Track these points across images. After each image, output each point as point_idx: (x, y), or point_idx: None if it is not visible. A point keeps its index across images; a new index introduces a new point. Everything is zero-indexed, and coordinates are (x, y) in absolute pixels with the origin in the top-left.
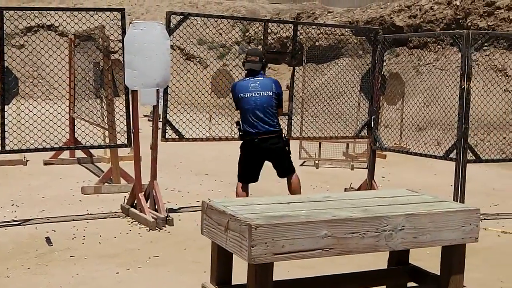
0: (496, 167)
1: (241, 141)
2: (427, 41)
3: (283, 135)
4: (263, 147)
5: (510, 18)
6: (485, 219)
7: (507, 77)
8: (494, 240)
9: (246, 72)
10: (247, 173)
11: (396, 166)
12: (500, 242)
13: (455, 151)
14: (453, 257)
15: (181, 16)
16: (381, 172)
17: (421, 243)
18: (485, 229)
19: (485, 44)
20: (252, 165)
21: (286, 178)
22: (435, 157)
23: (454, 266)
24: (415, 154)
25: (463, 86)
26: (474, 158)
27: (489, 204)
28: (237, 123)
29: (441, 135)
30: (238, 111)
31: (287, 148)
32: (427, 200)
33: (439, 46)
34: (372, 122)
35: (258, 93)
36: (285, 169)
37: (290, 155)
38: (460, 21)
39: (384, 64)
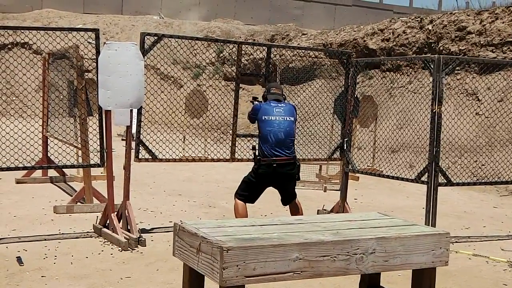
0: (467, 190)
1: (255, 163)
2: (400, 64)
3: (297, 161)
4: (280, 172)
5: (481, 42)
6: (456, 242)
7: (478, 101)
8: (465, 263)
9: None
10: (254, 195)
11: (369, 188)
12: (471, 265)
13: (426, 174)
14: (423, 280)
15: (155, 37)
16: (353, 194)
17: (391, 267)
18: (456, 252)
19: (457, 68)
20: (261, 188)
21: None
22: (407, 180)
23: None
24: (387, 176)
25: (434, 110)
26: (445, 181)
27: (460, 227)
28: (253, 147)
29: (413, 157)
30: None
31: (297, 175)
32: (398, 223)
33: (411, 70)
34: (345, 145)
35: (282, 117)
36: (291, 195)
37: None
38: (432, 45)
39: (358, 86)
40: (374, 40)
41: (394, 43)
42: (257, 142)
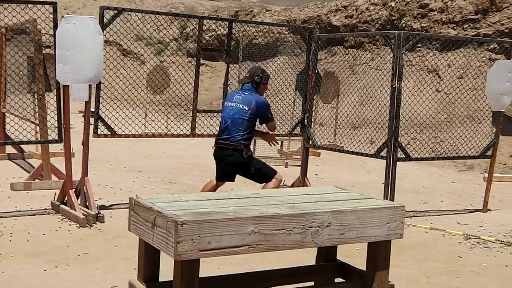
0: (427, 165)
1: None
2: (362, 41)
3: (243, 152)
4: (219, 156)
5: (443, 20)
6: (414, 216)
7: (438, 78)
8: (422, 237)
9: None
10: (216, 172)
11: (330, 164)
12: (428, 238)
13: (386, 149)
14: (379, 253)
15: (115, 11)
16: (314, 170)
17: (347, 240)
18: (414, 226)
19: (418, 45)
20: (217, 169)
21: None
22: (367, 155)
23: (379, 262)
24: (348, 152)
25: (394, 86)
26: (404, 156)
27: (418, 201)
28: None
29: (374, 133)
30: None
31: (246, 163)
32: (354, 197)
33: (374, 46)
34: (305, 120)
35: (236, 104)
36: (256, 180)
37: (254, 168)
38: (395, 22)
39: (321, 63)
40: (338, 17)
41: (358, 20)
42: None
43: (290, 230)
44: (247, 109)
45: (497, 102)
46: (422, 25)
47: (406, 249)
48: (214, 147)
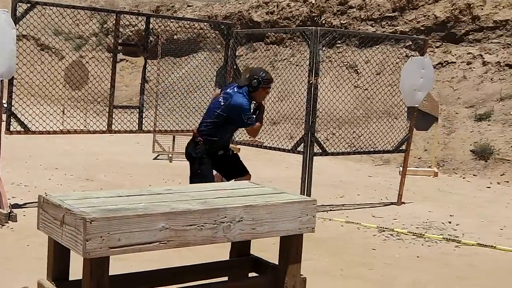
0: (345, 160)
1: None
2: (283, 37)
3: (198, 146)
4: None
5: (362, 17)
6: (330, 210)
7: (357, 74)
8: (338, 230)
9: None
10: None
11: (249, 159)
12: (343, 231)
13: (302, 144)
14: (291, 247)
15: (28, 5)
16: None
17: (259, 234)
18: (330, 220)
19: (338, 41)
20: None
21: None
22: (284, 150)
23: (291, 256)
24: (265, 147)
25: (311, 81)
26: (320, 151)
27: (335, 195)
28: None
29: (294, 129)
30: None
31: (193, 158)
32: (267, 192)
33: (295, 43)
34: None
35: (217, 99)
36: (190, 181)
37: (198, 167)
38: (315, 18)
39: (242, 59)
40: (259, 13)
41: (278, 16)
42: None
43: (202, 225)
44: (222, 104)
45: (411, 97)
46: (342, 21)
47: (321, 243)
48: None
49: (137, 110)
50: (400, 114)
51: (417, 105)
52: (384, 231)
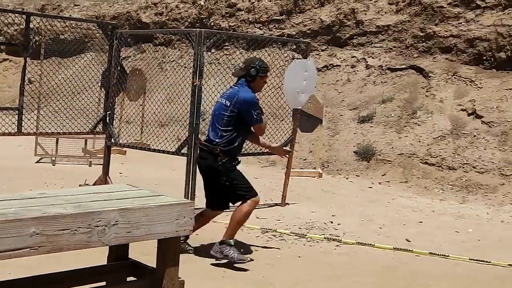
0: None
1: None
2: (172, 38)
3: (219, 158)
4: (199, 159)
5: (250, 19)
6: None
7: None
8: (222, 232)
9: None
10: (206, 196)
11: (136, 162)
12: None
13: (187, 146)
14: (168, 249)
15: None
16: (119, 168)
17: (135, 238)
18: (214, 222)
19: (226, 43)
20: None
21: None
22: (168, 152)
23: (169, 258)
24: (149, 149)
25: (195, 83)
26: None
27: None
28: None
29: (181, 131)
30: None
31: (218, 172)
32: (144, 194)
33: (183, 44)
34: (107, 118)
35: (220, 100)
36: (226, 197)
37: (227, 178)
38: (204, 20)
39: (130, 60)
40: (148, 14)
41: (167, 17)
42: None
43: (75, 230)
44: (228, 104)
45: (294, 100)
46: (230, 24)
47: (204, 245)
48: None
49: (16, 112)
50: (286, 116)
51: (300, 107)
52: (267, 232)
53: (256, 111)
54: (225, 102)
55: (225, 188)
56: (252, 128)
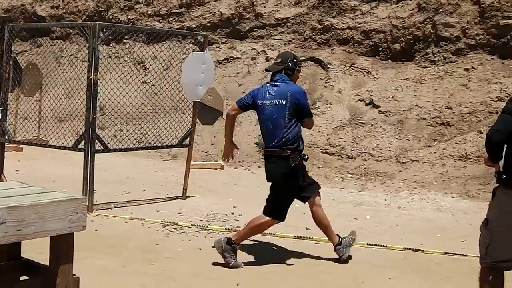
0: (133, 156)
1: None
2: (70, 32)
3: (290, 160)
4: (266, 167)
5: (149, 12)
6: (115, 207)
7: (145, 70)
8: (122, 227)
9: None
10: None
11: (33, 158)
12: (127, 228)
13: (84, 141)
14: (61, 247)
15: None
16: (16, 166)
17: (25, 236)
18: (114, 217)
19: (125, 37)
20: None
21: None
22: (64, 148)
23: (62, 255)
24: (45, 146)
25: (90, 77)
26: (102, 148)
27: (121, 192)
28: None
29: (80, 126)
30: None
31: (293, 175)
32: (35, 191)
33: (82, 38)
34: (0, 114)
35: (271, 102)
36: (302, 193)
37: (303, 176)
38: (102, 13)
39: (26, 54)
40: (43, 7)
41: (64, 10)
42: None
43: None
44: (284, 103)
45: (193, 92)
46: (129, 17)
47: (105, 240)
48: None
49: None
50: (187, 109)
51: (199, 100)
52: (168, 225)
53: (307, 104)
54: (280, 102)
55: (283, 187)
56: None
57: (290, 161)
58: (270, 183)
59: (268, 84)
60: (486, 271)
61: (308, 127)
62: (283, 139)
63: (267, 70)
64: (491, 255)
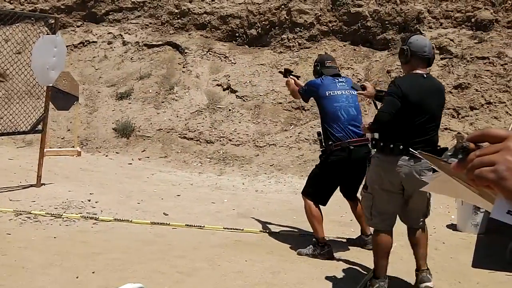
0: None
1: (325, 151)
2: None
3: (372, 143)
4: (356, 157)
5: None
6: None
7: None
8: None
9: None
10: (325, 192)
11: None
12: None
13: None
14: None
15: None
16: None
17: None
18: None
19: None
20: (333, 182)
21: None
22: None
23: None
24: None
25: None
26: None
27: None
28: (319, 133)
29: None
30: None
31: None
32: None
33: None
34: None
35: (348, 91)
36: (357, 189)
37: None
38: None
39: None
40: None
41: None
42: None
43: None
44: (355, 93)
45: (44, 76)
46: None
47: None
48: (340, 151)
49: None
50: (42, 94)
51: (51, 84)
52: (20, 214)
53: None
54: (353, 92)
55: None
56: None
57: (370, 146)
58: (352, 173)
59: (329, 77)
60: (375, 232)
61: None
62: (357, 129)
63: (327, 72)
64: (375, 215)
